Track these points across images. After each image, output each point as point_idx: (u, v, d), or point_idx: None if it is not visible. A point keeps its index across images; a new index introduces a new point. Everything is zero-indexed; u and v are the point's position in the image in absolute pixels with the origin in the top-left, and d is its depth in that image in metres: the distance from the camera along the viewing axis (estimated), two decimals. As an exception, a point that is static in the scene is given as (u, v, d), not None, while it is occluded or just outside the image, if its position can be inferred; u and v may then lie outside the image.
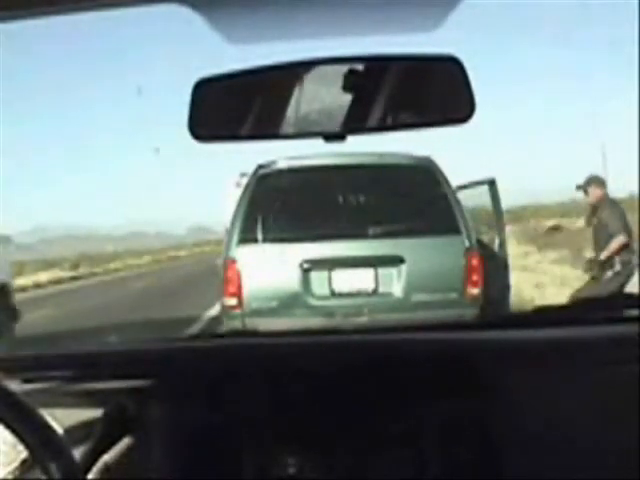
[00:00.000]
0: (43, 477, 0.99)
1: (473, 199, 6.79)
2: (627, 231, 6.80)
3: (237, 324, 5.10)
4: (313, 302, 5.20)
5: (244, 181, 5.55)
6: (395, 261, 5.18)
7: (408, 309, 5.10)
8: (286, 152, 5.06)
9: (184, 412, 1.46)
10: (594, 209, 7.10)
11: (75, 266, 31.09)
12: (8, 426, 0.99)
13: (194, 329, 8.00)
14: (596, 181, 7.16)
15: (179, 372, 1.52)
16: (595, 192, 7.02)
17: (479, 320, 3.69)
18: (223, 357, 1.55)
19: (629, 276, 6.70)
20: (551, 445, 1.34)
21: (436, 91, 1.19)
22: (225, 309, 5.25)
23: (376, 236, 5.24)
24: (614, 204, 7.19)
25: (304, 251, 5.18)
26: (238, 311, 5.14)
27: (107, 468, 1.29)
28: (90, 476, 1.27)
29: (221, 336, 2.50)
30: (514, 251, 22.30)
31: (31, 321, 12.05)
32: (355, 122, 1.18)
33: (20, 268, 25.65)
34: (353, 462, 1.44)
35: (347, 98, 1.17)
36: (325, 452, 1.44)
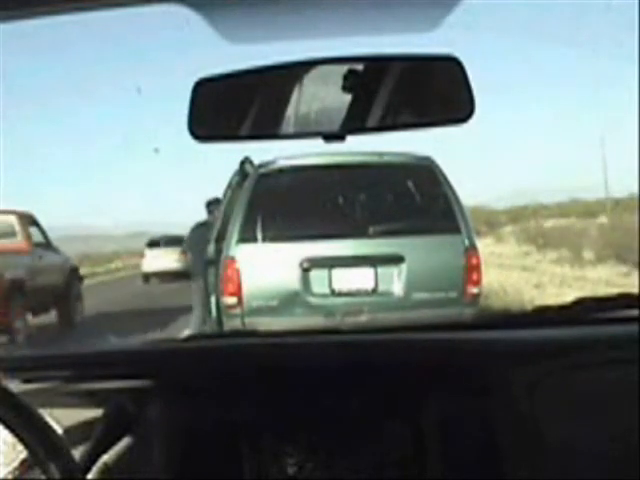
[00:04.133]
0: (43, 477, 0.99)
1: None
2: None
3: (237, 323, 5.11)
4: (313, 301, 5.20)
5: None
6: (395, 260, 5.18)
7: (408, 308, 5.10)
8: (285, 152, 5.06)
9: (184, 412, 1.46)
10: None
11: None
12: (8, 426, 0.99)
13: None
14: None
15: (179, 372, 1.52)
16: None
17: (479, 320, 3.69)
18: (223, 357, 1.55)
19: None
20: (551, 445, 1.34)
21: (436, 91, 1.19)
22: (224, 308, 5.25)
23: (376, 235, 5.24)
24: None
25: (304, 250, 5.18)
26: (238, 310, 5.15)
27: (107, 468, 1.29)
28: (90, 476, 1.27)
29: (221, 336, 2.50)
30: (514, 251, 22.36)
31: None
32: (355, 122, 1.18)
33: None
34: (353, 462, 1.44)
35: (347, 98, 1.17)
36: (325, 452, 1.44)
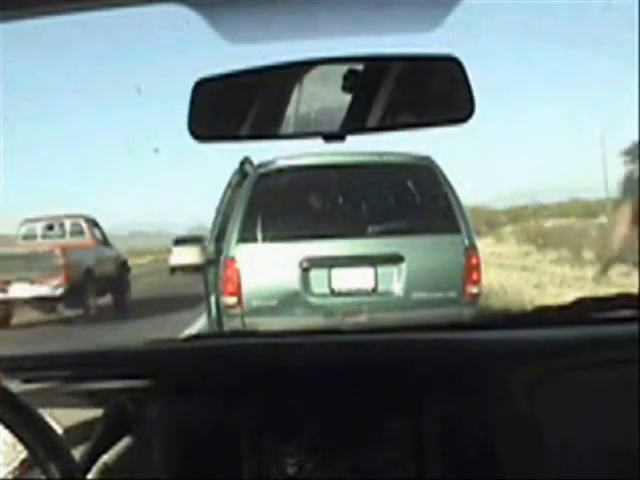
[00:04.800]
0: (43, 477, 0.99)
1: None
2: None
3: (237, 323, 5.11)
4: (312, 301, 5.20)
5: None
6: (394, 260, 5.18)
7: (408, 308, 5.11)
8: (285, 152, 5.06)
9: (184, 412, 1.46)
10: None
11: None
12: (8, 426, 0.99)
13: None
14: None
15: (179, 372, 1.52)
16: None
17: (479, 320, 3.69)
18: (223, 357, 1.55)
19: None
20: (550, 445, 1.34)
21: (436, 91, 1.19)
22: (224, 308, 5.25)
23: (375, 235, 5.24)
24: None
25: (303, 250, 5.18)
26: (238, 310, 5.15)
27: (107, 468, 1.30)
28: (90, 476, 1.27)
29: (221, 336, 2.50)
30: (514, 251, 22.36)
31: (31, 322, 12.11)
32: (355, 122, 1.18)
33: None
34: (353, 462, 1.44)
35: (347, 98, 1.17)
36: (325, 452, 1.44)
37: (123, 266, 13.74)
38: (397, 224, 5.28)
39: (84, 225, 13.14)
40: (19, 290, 11.24)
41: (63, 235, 13.08)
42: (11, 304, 11.62)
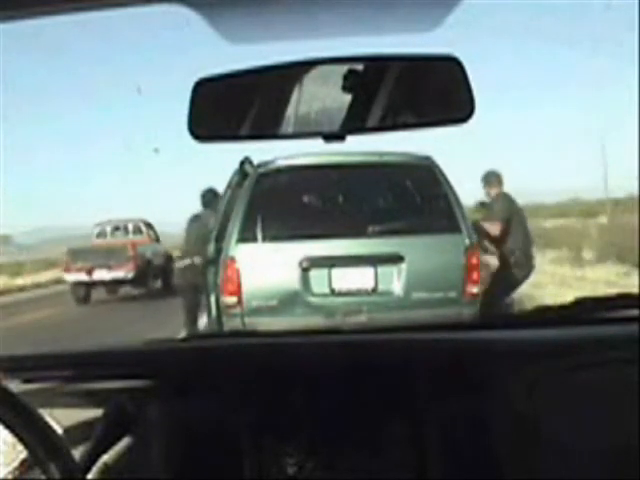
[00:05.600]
0: (43, 477, 0.99)
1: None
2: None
3: (237, 323, 5.10)
4: (313, 301, 5.19)
5: None
6: (395, 259, 5.17)
7: (408, 307, 5.09)
8: (285, 152, 5.06)
9: (184, 412, 1.46)
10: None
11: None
12: (8, 426, 0.99)
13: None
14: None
15: (179, 372, 1.52)
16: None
17: (479, 320, 3.70)
18: (223, 357, 1.55)
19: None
20: (550, 445, 1.34)
21: (436, 91, 1.19)
22: (224, 308, 5.25)
23: (376, 234, 5.23)
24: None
25: (303, 249, 5.17)
26: (238, 310, 5.14)
27: (107, 468, 1.30)
28: (90, 476, 1.27)
29: (221, 336, 2.50)
30: (514, 251, 22.29)
31: (31, 321, 12.19)
32: (355, 122, 1.18)
33: (20, 268, 25.85)
34: (353, 462, 1.44)
35: (347, 98, 1.17)
36: (325, 452, 1.44)
37: (169, 258, 16.85)
38: (397, 224, 5.27)
39: (142, 226, 17.21)
40: (101, 274, 14.86)
41: (127, 234, 17.09)
42: (92, 285, 15.19)
